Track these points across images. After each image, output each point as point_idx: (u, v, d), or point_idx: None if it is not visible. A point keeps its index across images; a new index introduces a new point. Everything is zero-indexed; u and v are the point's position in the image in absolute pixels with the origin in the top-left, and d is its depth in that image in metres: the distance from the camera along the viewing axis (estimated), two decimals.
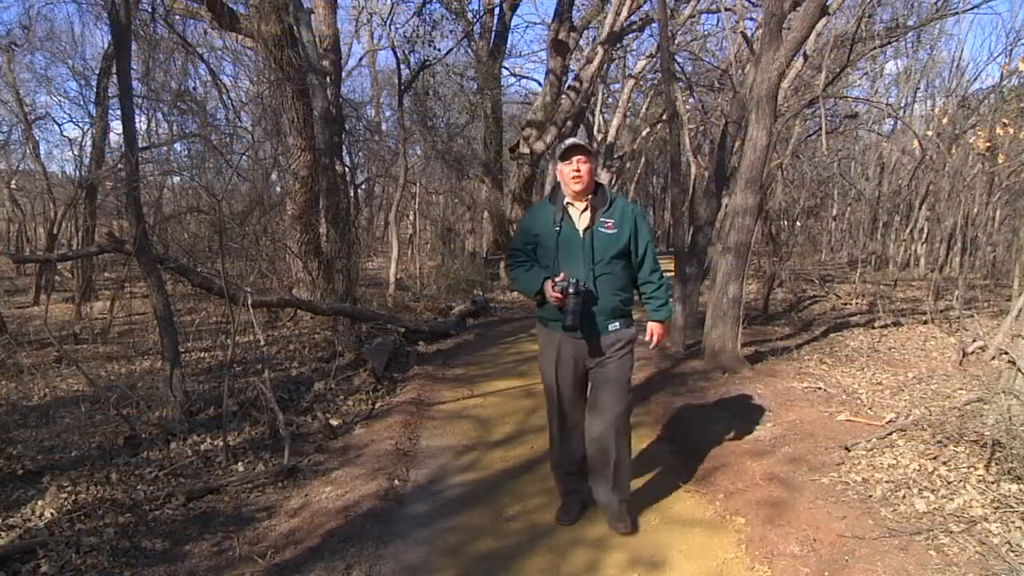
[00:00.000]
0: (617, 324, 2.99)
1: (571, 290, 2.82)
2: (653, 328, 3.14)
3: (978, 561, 2.60)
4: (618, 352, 3.01)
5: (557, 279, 2.86)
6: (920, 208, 12.54)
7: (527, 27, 42.72)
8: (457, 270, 12.63)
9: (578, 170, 2.90)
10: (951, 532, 2.81)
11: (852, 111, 11.31)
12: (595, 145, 14.48)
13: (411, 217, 15.64)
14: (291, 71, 6.84)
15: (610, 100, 16.08)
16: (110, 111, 10.57)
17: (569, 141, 2.95)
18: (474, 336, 8.27)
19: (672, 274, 7.06)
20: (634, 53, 15.00)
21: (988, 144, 8.32)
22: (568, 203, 3.00)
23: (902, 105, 15.22)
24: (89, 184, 9.66)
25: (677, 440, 4.34)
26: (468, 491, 3.66)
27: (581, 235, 2.94)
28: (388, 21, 13.08)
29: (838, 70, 8.68)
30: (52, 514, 3.28)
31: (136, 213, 4.77)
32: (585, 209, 2.97)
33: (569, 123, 13.22)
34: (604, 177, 14.43)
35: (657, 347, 3.22)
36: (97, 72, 10.62)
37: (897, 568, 2.59)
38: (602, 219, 2.94)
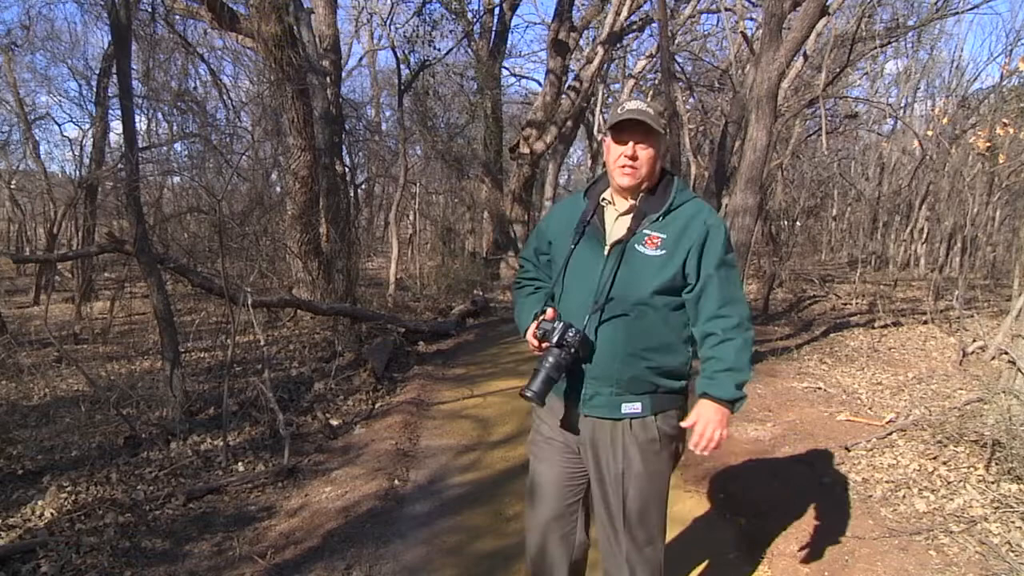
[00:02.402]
0: (638, 406, 1.86)
1: (554, 338, 1.81)
2: (700, 414, 1.83)
3: (978, 561, 2.60)
4: (642, 461, 1.87)
5: (544, 316, 1.89)
6: (920, 208, 12.53)
7: (527, 27, 42.72)
8: (457, 270, 12.61)
9: (633, 157, 1.83)
10: (951, 532, 2.81)
11: (852, 111, 11.31)
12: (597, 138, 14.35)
13: (411, 217, 15.64)
14: (291, 71, 6.84)
15: (610, 100, 16.08)
16: (110, 111, 10.57)
17: (630, 106, 1.84)
18: (474, 336, 8.26)
19: None
20: (634, 53, 15.00)
21: (988, 144, 8.31)
22: (605, 200, 1.95)
23: (902, 105, 15.23)
24: (89, 184, 9.66)
25: None
26: (468, 491, 3.66)
27: (605, 253, 1.87)
28: (388, 21, 13.08)
29: (838, 70, 8.68)
30: (52, 514, 3.28)
31: (136, 213, 4.77)
32: (627, 212, 1.91)
33: (569, 123, 13.22)
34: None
35: (708, 451, 1.85)
36: (97, 72, 10.62)
37: (897, 568, 2.59)
38: (646, 231, 1.85)
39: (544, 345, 1.85)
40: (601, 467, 1.92)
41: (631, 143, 1.84)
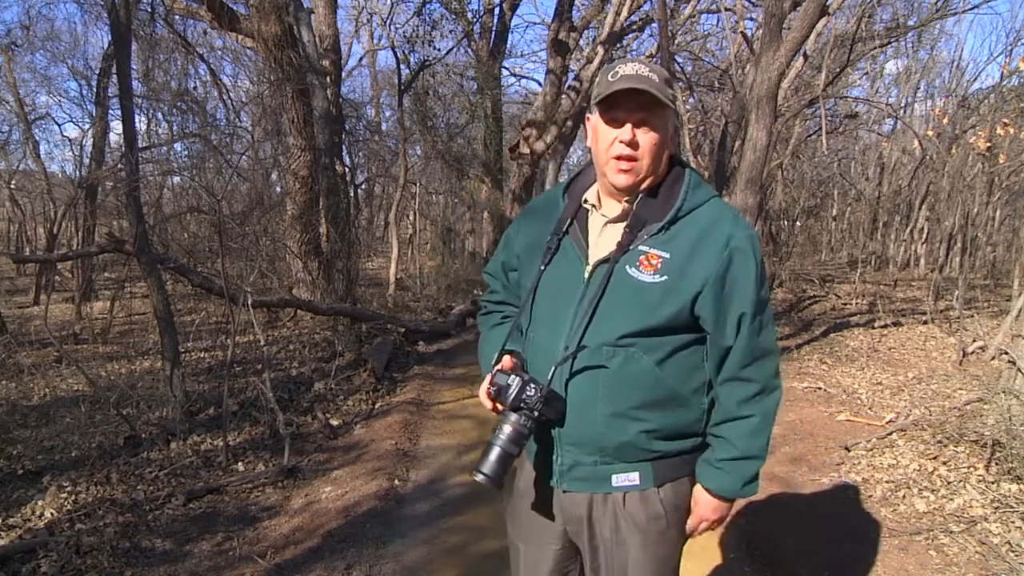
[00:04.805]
0: (635, 476, 1.39)
1: (511, 396, 1.35)
2: (698, 502, 1.45)
3: (978, 561, 2.60)
4: (643, 546, 1.43)
5: (501, 366, 1.42)
6: (920, 208, 12.53)
7: (527, 27, 42.66)
8: (457, 270, 12.63)
9: (633, 144, 1.31)
10: (951, 532, 2.82)
11: (852, 111, 11.31)
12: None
13: (411, 217, 15.66)
14: (291, 71, 6.84)
15: None
16: (110, 111, 10.58)
17: (626, 71, 1.30)
18: (474, 336, 8.25)
19: None
20: (634, 53, 15.00)
21: (988, 144, 8.32)
22: (589, 203, 1.44)
23: (902, 105, 15.24)
24: (89, 184, 9.66)
25: None
26: (468, 491, 3.65)
27: (585, 276, 1.37)
28: (388, 21, 13.09)
29: (838, 70, 8.69)
30: (52, 514, 3.29)
31: (136, 213, 4.77)
32: (619, 219, 1.40)
33: (569, 123, 13.23)
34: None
35: (694, 533, 1.52)
36: (97, 72, 10.63)
37: (897, 568, 2.59)
38: (643, 248, 1.35)
39: (499, 407, 1.38)
40: (598, 554, 1.46)
41: (628, 124, 1.31)
